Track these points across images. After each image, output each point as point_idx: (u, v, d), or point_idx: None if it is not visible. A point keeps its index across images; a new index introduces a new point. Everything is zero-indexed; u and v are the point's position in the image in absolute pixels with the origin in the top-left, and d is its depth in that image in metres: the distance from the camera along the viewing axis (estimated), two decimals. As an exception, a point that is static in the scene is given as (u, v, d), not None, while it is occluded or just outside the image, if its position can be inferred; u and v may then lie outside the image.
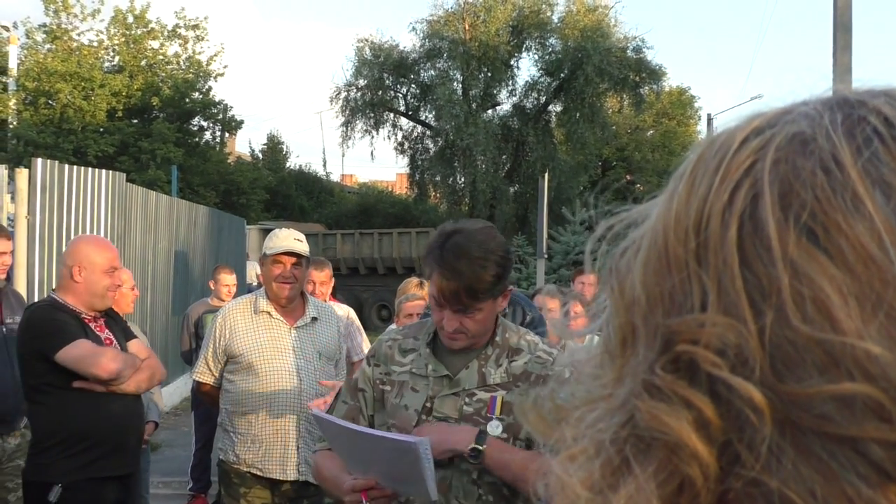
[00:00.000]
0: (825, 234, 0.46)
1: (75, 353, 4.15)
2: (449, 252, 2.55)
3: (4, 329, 4.88)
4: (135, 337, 4.59)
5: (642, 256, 0.53)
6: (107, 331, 4.38)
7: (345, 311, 6.39)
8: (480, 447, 2.56)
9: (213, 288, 8.12)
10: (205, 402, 7.54)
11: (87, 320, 4.31)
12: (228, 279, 8.00)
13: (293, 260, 4.62)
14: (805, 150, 0.49)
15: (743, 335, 0.47)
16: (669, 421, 0.48)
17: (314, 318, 4.78)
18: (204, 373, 4.81)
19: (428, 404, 2.66)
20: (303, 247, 4.65)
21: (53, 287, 4.64)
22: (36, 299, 8.47)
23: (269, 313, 4.69)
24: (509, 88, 33.80)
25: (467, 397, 2.66)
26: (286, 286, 4.63)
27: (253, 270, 15.33)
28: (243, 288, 12.95)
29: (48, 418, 4.23)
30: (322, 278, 6.22)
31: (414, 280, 5.72)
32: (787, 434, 0.46)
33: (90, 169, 9.96)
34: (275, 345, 4.65)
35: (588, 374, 0.57)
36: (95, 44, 27.31)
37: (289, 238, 4.63)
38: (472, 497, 2.62)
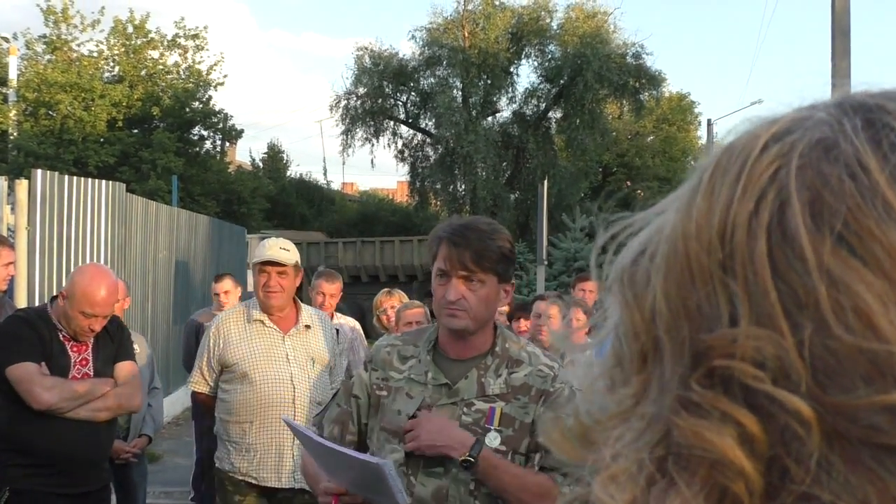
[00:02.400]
0: (859, 242, 0.45)
1: (15, 374, 4.08)
2: (458, 225, 2.65)
3: None
4: (128, 359, 4.46)
5: (661, 268, 0.51)
6: (87, 351, 4.28)
7: (350, 323, 6.43)
8: (473, 459, 2.52)
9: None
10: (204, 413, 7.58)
11: (65, 338, 4.24)
12: (219, 286, 7.96)
13: (278, 269, 4.63)
14: (829, 155, 0.48)
15: (783, 347, 0.46)
16: (713, 438, 0.46)
17: (307, 326, 4.78)
18: (199, 382, 4.82)
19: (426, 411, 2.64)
20: (287, 255, 4.64)
21: (54, 294, 4.58)
22: (36, 310, 8.47)
23: (262, 322, 4.70)
24: (509, 95, 33.82)
25: (465, 407, 2.64)
26: (271, 295, 4.64)
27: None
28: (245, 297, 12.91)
29: (3, 425, 4.20)
30: (332, 290, 6.29)
31: (384, 290, 6.18)
32: (835, 446, 0.45)
33: (90, 179, 9.98)
34: (269, 353, 4.66)
35: (599, 389, 0.56)
36: (95, 54, 27.34)
37: (274, 247, 4.64)
38: None
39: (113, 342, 4.40)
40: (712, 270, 0.48)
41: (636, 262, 0.54)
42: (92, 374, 4.27)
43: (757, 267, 0.47)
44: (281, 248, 4.64)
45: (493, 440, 2.59)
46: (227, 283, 7.89)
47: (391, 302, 6.31)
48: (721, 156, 0.52)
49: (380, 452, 2.69)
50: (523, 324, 6.22)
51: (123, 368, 4.39)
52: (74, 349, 4.26)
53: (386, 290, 6.63)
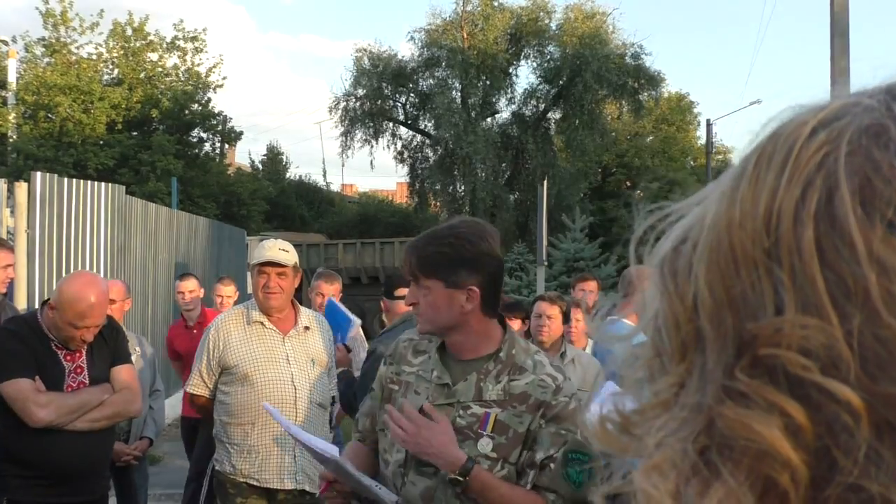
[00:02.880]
0: None
1: (10, 391, 3.99)
2: (425, 231, 2.73)
3: None
4: (125, 362, 4.36)
5: (704, 257, 0.50)
6: (82, 358, 4.18)
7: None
8: (462, 479, 2.50)
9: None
10: (196, 429, 7.57)
11: (57, 347, 4.13)
12: (223, 290, 8.00)
13: (277, 270, 4.62)
14: (879, 141, 0.47)
15: (832, 336, 0.45)
16: (760, 428, 0.45)
17: (306, 327, 4.78)
18: (198, 385, 4.80)
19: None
20: (286, 257, 4.64)
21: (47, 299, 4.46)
22: (36, 313, 8.47)
23: (261, 323, 4.69)
24: (508, 96, 33.85)
25: (462, 409, 2.61)
26: (271, 296, 4.63)
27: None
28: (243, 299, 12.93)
29: (1, 436, 4.16)
30: (331, 291, 6.27)
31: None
32: (884, 437, 0.44)
33: (90, 182, 9.98)
34: (269, 354, 4.65)
35: (636, 379, 0.55)
36: (94, 57, 27.34)
37: (273, 248, 4.64)
38: None
39: (108, 345, 4.28)
40: (757, 259, 0.48)
41: (677, 251, 0.53)
42: (87, 382, 4.17)
43: (804, 255, 0.46)
44: (280, 249, 4.64)
45: (485, 446, 2.56)
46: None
47: None
48: (766, 143, 0.51)
49: (388, 450, 2.71)
50: (514, 324, 6.20)
51: (120, 373, 4.28)
52: (68, 358, 4.14)
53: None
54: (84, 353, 4.19)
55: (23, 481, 4.08)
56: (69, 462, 4.08)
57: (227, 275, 9.55)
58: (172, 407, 9.59)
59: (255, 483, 4.65)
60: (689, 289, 0.51)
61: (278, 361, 4.65)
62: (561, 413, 2.58)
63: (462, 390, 2.63)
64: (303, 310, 4.89)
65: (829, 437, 0.45)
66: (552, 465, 2.53)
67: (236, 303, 7.73)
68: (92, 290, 4.08)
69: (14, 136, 24.71)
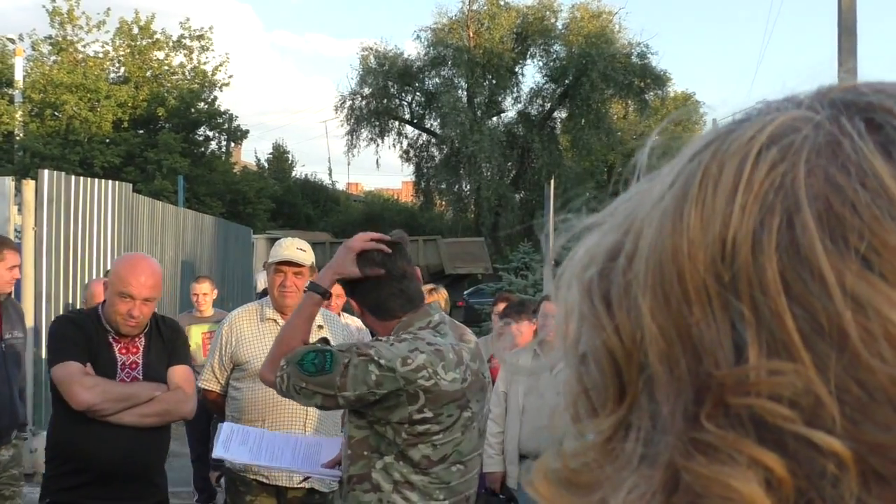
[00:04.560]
0: (879, 259, 0.41)
1: (58, 374, 3.94)
2: None
3: (3, 345, 4.76)
4: (182, 363, 4.22)
5: (647, 291, 0.45)
6: (138, 354, 4.08)
7: (357, 323, 6.41)
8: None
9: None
10: (196, 416, 7.59)
11: (114, 339, 4.04)
12: (197, 288, 8.04)
13: (294, 269, 4.63)
14: (837, 162, 0.43)
15: (809, 380, 0.41)
16: (738, 485, 0.41)
17: (320, 326, 4.78)
18: (210, 380, 4.82)
19: None
20: (304, 256, 4.65)
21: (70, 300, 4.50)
22: (43, 311, 8.49)
23: (275, 321, 4.70)
24: (514, 95, 33.89)
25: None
26: (287, 295, 4.64)
27: (261, 279, 15.35)
28: (248, 297, 12.96)
29: (49, 432, 4.13)
30: (339, 290, 6.23)
31: (426, 287, 5.83)
32: (871, 487, 0.40)
33: (97, 180, 10.01)
34: None
35: (565, 420, 0.51)
36: (101, 55, 27.40)
37: (290, 247, 4.64)
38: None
39: (165, 345, 4.18)
40: (711, 293, 0.43)
41: (605, 276, 0.48)
42: (141, 377, 4.05)
43: (769, 290, 0.42)
44: (298, 249, 4.65)
45: None
46: (205, 286, 7.92)
47: (432, 299, 6.15)
48: (708, 162, 0.46)
49: None
50: (523, 326, 6.20)
51: (176, 373, 4.14)
52: (123, 351, 4.05)
53: (428, 286, 6.28)
54: (141, 348, 4.10)
55: (68, 480, 3.98)
56: (116, 460, 3.94)
57: (206, 274, 9.69)
58: (178, 405, 9.61)
59: (264, 480, 4.65)
60: (628, 323, 0.46)
61: None
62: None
63: None
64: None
65: (813, 490, 0.41)
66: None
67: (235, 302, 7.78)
68: (141, 264, 4.09)
69: (21, 134, 24.76)
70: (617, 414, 0.47)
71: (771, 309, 0.42)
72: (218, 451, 3.45)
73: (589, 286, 0.49)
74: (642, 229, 0.47)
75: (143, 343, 4.11)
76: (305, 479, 4.18)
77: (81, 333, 4.02)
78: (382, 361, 2.82)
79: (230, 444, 3.52)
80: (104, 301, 4.17)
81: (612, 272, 0.48)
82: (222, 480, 5.74)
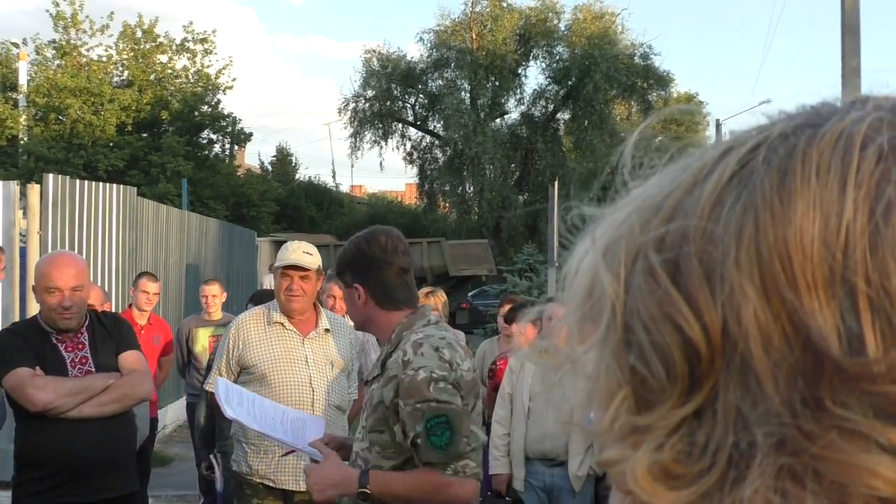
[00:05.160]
0: None
1: (10, 382, 3.99)
2: None
3: None
4: (131, 348, 4.28)
5: (749, 278, 0.44)
6: (85, 349, 4.14)
7: None
8: (366, 490, 2.76)
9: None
10: (202, 424, 7.60)
11: (58, 340, 4.11)
12: (207, 290, 8.01)
13: (301, 273, 4.63)
14: None
15: None
16: (884, 470, 0.41)
17: (327, 330, 4.79)
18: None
19: None
20: (311, 260, 4.65)
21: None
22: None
23: (282, 324, 4.70)
24: (517, 97, 33.89)
25: (368, 386, 3.02)
26: (293, 299, 4.64)
27: (267, 282, 15.36)
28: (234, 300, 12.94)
29: (17, 440, 4.16)
30: (343, 293, 6.25)
31: (424, 289, 5.84)
32: None
33: (101, 183, 10.03)
34: (288, 356, 4.66)
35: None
36: (105, 59, 27.46)
37: (297, 251, 4.65)
38: None
39: (111, 336, 4.23)
40: (820, 282, 0.43)
41: (676, 260, 0.47)
42: (93, 370, 4.12)
43: (889, 280, 0.42)
44: (304, 253, 4.65)
45: (364, 419, 2.91)
46: (214, 288, 7.92)
47: (431, 301, 6.14)
48: (806, 152, 0.46)
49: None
50: (515, 328, 6.19)
51: (127, 358, 4.21)
52: (69, 349, 4.11)
53: (426, 288, 6.34)
54: (87, 343, 4.16)
55: (39, 484, 4.02)
56: (85, 454, 4.00)
57: (215, 277, 9.72)
58: (182, 408, 9.61)
59: (270, 484, 4.65)
60: (714, 312, 0.45)
61: (297, 363, 4.66)
62: (408, 387, 2.79)
63: (367, 367, 3.02)
64: (324, 312, 4.90)
65: None
66: (419, 441, 2.77)
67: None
68: (59, 256, 4.21)
69: (25, 138, 24.82)
70: (688, 405, 0.46)
71: (891, 298, 0.42)
72: (227, 411, 3.48)
73: (652, 274, 0.47)
74: (714, 216, 0.46)
75: (86, 338, 4.17)
76: (288, 452, 4.17)
77: (23, 341, 4.08)
78: (451, 382, 2.84)
79: (232, 403, 3.54)
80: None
81: (682, 260, 0.47)
82: (217, 473, 5.75)
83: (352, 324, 5.60)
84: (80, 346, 4.15)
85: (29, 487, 4.08)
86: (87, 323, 4.19)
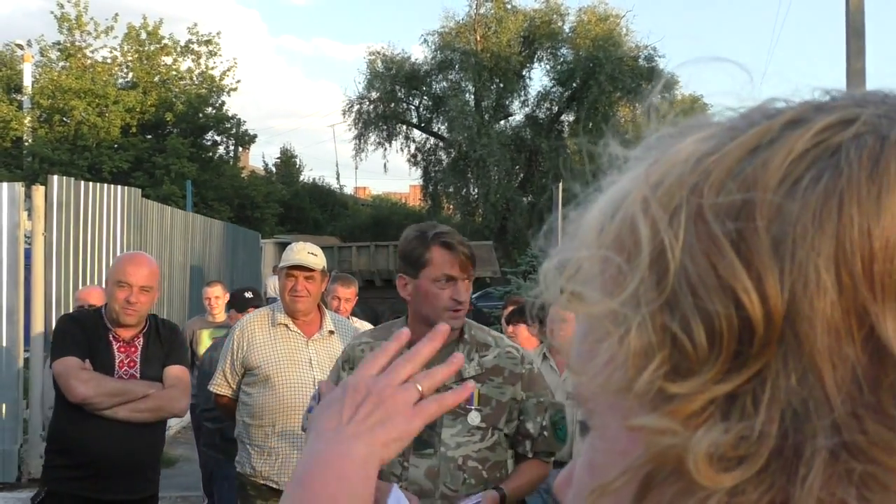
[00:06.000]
0: None
1: (57, 368, 4.15)
2: (447, 235, 2.99)
3: None
4: (178, 363, 4.41)
5: (825, 264, 0.43)
6: (136, 353, 4.28)
7: (364, 327, 6.42)
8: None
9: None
10: (208, 424, 7.61)
11: (114, 338, 4.26)
12: (210, 292, 8.02)
13: (305, 274, 4.63)
14: None
15: None
16: None
17: (331, 332, 4.79)
18: (221, 385, 4.82)
19: None
20: (315, 261, 4.65)
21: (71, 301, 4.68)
22: (53, 316, 8.51)
23: (286, 326, 4.70)
24: (521, 99, 33.88)
25: (445, 391, 2.87)
26: (298, 299, 4.64)
27: (272, 283, 15.38)
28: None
29: (51, 424, 4.32)
30: (348, 295, 6.27)
31: None
32: None
33: (106, 185, 10.03)
34: (292, 357, 4.66)
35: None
36: (109, 61, 27.49)
37: (302, 252, 4.65)
38: (458, 481, 2.91)
39: (163, 345, 4.37)
40: (888, 281, 0.42)
41: (743, 232, 0.44)
42: (138, 375, 4.26)
43: None
44: (309, 253, 4.65)
45: (474, 418, 2.94)
46: (217, 289, 7.93)
47: None
48: (858, 154, 0.44)
49: None
50: (520, 329, 6.19)
51: (171, 372, 4.34)
52: (122, 350, 4.26)
53: None
54: (139, 349, 4.30)
55: (64, 472, 4.16)
56: (112, 454, 4.12)
57: (218, 278, 9.77)
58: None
59: (274, 486, 4.65)
60: (778, 290, 0.43)
61: (301, 364, 4.66)
62: (531, 380, 3.05)
63: None
64: (328, 314, 4.89)
65: None
66: (546, 433, 3.04)
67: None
68: (139, 256, 4.41)
69: (30, 140, 24.86)
70: (726, 383, 0.44)
71: None
72: None
73: (713, 239, 0.45)
74: (788, 192, 0.45)
75: (141, 343, 4.31)
76: None
77: (82, 331, 4.23)
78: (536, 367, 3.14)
79: None
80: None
81: (749, 231, 0.45)
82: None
83: (355, 325, 5.63)
84: (133, 350, 4.30)
85: (52, 473, 4.24)
86: (145, 329, 4.36)
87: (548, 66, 33.43)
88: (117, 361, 4.24)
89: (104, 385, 4.13)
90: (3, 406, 8.11)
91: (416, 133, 35.13)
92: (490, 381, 2.98)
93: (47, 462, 4.28)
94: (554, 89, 33.47)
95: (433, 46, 33.14)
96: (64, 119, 25.62)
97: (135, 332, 4.31)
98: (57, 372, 4.14)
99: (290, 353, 4.66)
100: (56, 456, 4.21)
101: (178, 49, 28.29)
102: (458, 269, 2.93)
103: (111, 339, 4.26)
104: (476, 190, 32.54)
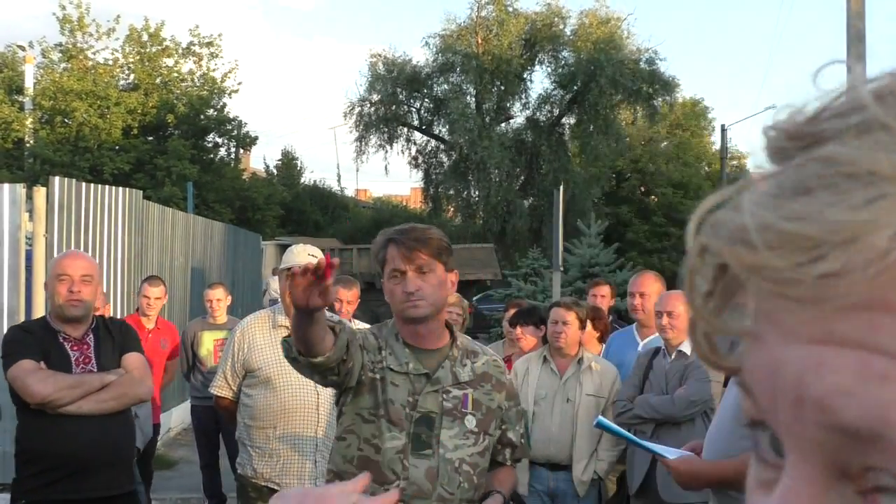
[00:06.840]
0: None
1: (12, 374, 4.09)
2: (402, 232, 3.04)
3: None
4: (134, 351, 4.39)
5: None
6: (89, 349, 4.25)
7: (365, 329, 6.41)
8: None
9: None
10: (205, 422, 7.62)
11: (64, 339, 4.23)
12: (211, 294, 8.01)
13: None
14: None
15: None
16: None
17: (333, 333, 4.79)
18: (222, 387, 4.83)
19: (411, 399, 2.95)
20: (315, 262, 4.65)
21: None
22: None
23: (286, 327, 4.70)
24: (522, 101, 33.88)
25: (444, 394, 2.98)
26: None
27: (272, 285, 15.38)
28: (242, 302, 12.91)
29: (17, 436, 4.23)
30: (349, 297, 6.25)
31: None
32: None
33: (107, 187, 10.03)
34: None
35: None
36: (111, 62, 27.50)
37: (302, 253, 4.65)
38: (454, 484, 2.95)
39: (114, 339, 4.35)
40: None
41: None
42: (96, 370, 4.23)
43: None
44: (309, 255, 4.65)
45: (470, 422, 3.00)
46: (219, 292, 7.95)
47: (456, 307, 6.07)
48: None
49: (380, 437, 2.94)
50: (520, 331, 6.17)
51: (129, 359, 4.33)
52: (75, 348, 4.22)
53: (455, 296, 6.39)
54: (91, 345, 4.27)
55: (38, 479, 4.09)
56: (85, 452, 4.08)
57: (219, 280, 9.77)
58: (187, 411, 9.62)
59: (275, 487, 4.66)
60: None
61: None
62: (511, 389, 3.21)
63: (442, 377, 3.01)
64: (329, 315, 4.90)
65: None
66: (523, 441, 3.22)
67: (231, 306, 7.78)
68: (72, 252, 4.49)
69: (31, 141, 24.87)
70: None
71: None
72: None
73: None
74: None
75: (92, 340, 4.29)
76: None
77: (31, 337, 4.21)
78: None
79: None
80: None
81: None
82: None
83: (358, 327, 5.63)
84: (86, 347, 4.27)
85: (27, 483, 4.16)
86: (93, 326, 4.33)
87: (549, 69, 33.46)
88: (73, 359, 4.20)
89: (62, 380, 4.07)
90: (3, 407, 8.11)
91: (417, 135, 35.14)
92: (481, 387, 3.05)
93: (20, 474, 4.19)
94: (555, 92, 33.47)
95: (434, 49, 33.17)
96: (65, 120, 25.62)
97: (84, 329, 4.28)
98: (13, 377, 4.07)
99: None
100: (28, 465, 4.14)
101: (180, 51, 28.30)
102: (403, 262, 2.95)
103: (62, 340, 4.23)
104: (477, 192, 32.54)
